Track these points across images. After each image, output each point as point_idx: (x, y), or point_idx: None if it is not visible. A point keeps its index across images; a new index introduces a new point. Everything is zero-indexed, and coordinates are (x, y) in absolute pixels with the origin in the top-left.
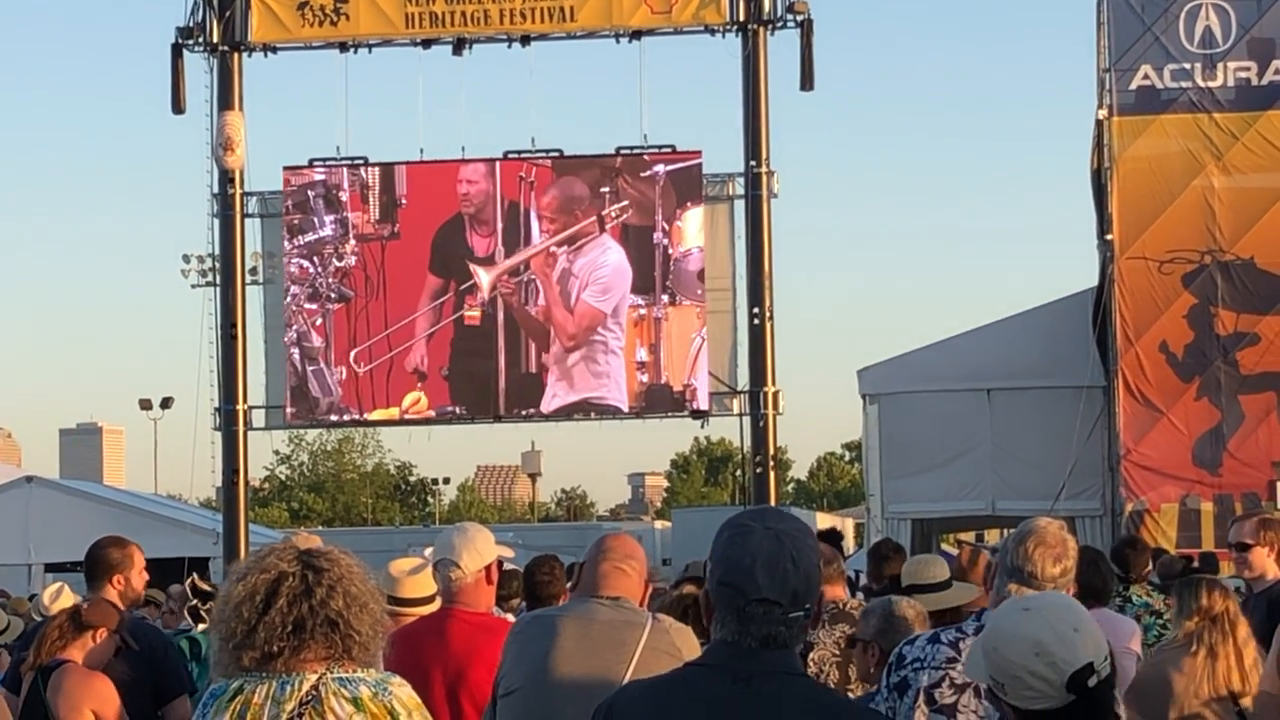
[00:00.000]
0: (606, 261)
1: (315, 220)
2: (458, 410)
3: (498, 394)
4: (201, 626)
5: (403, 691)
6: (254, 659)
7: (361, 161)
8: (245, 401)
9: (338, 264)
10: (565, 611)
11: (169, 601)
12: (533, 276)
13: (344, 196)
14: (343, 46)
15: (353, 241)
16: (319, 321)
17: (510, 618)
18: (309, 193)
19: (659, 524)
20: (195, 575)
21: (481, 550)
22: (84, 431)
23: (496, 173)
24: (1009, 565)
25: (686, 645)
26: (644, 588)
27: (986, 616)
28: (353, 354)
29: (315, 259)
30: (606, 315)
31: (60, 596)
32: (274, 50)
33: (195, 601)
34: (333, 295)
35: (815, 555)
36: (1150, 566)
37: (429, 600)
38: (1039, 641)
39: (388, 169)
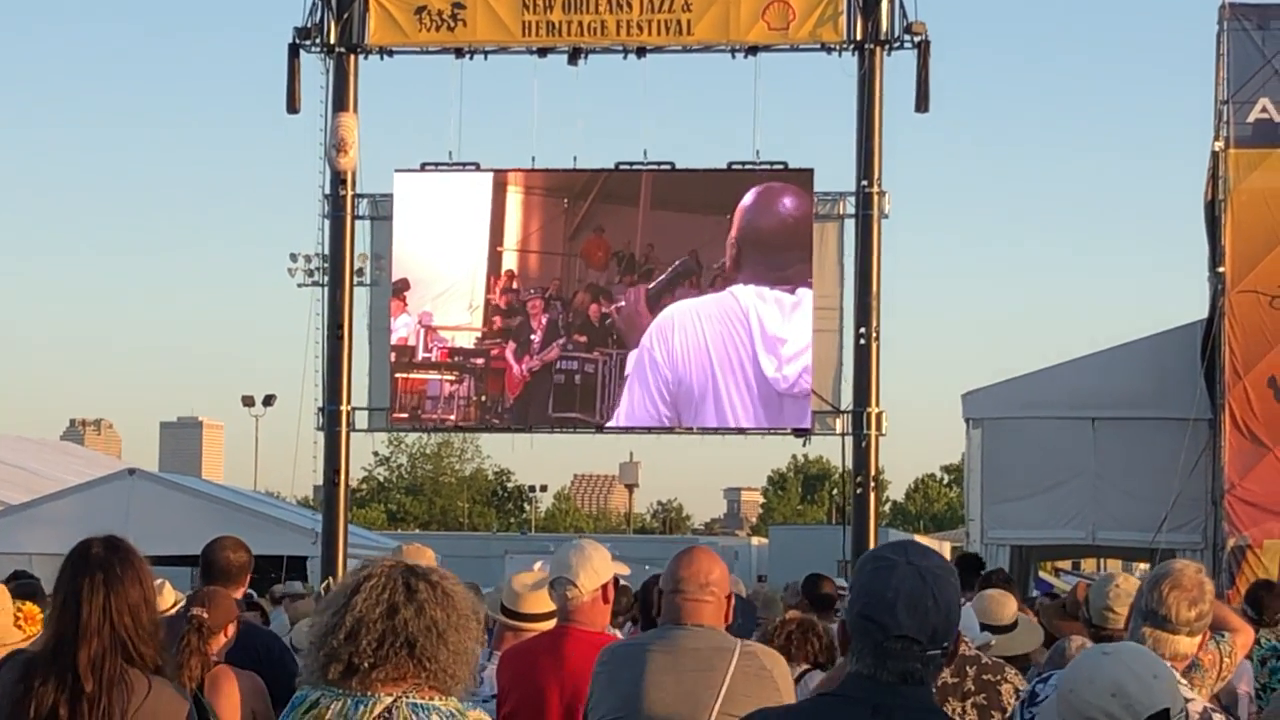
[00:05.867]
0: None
1: None
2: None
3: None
4: None
5: None
6: (338, 671)
7: (473, 167)
8: (348, 402)
9: None
10: (650, 640)
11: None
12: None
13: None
14: (459, 52)
15: None
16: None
17: (619, 634)
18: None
19: (755, 540)
20: (330, 580)
21: (598, 569)
22: (184, 425)
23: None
24: (1144, 608)
25: (778, 669)
26: (726, 604)
27: None
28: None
29: None
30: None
31: (162, 592)
32: (390, 53)
33: None
34: None
35: (956, 594)
36: None
37: (549, 616)
38: (1117, 683)
39: (501, 181)
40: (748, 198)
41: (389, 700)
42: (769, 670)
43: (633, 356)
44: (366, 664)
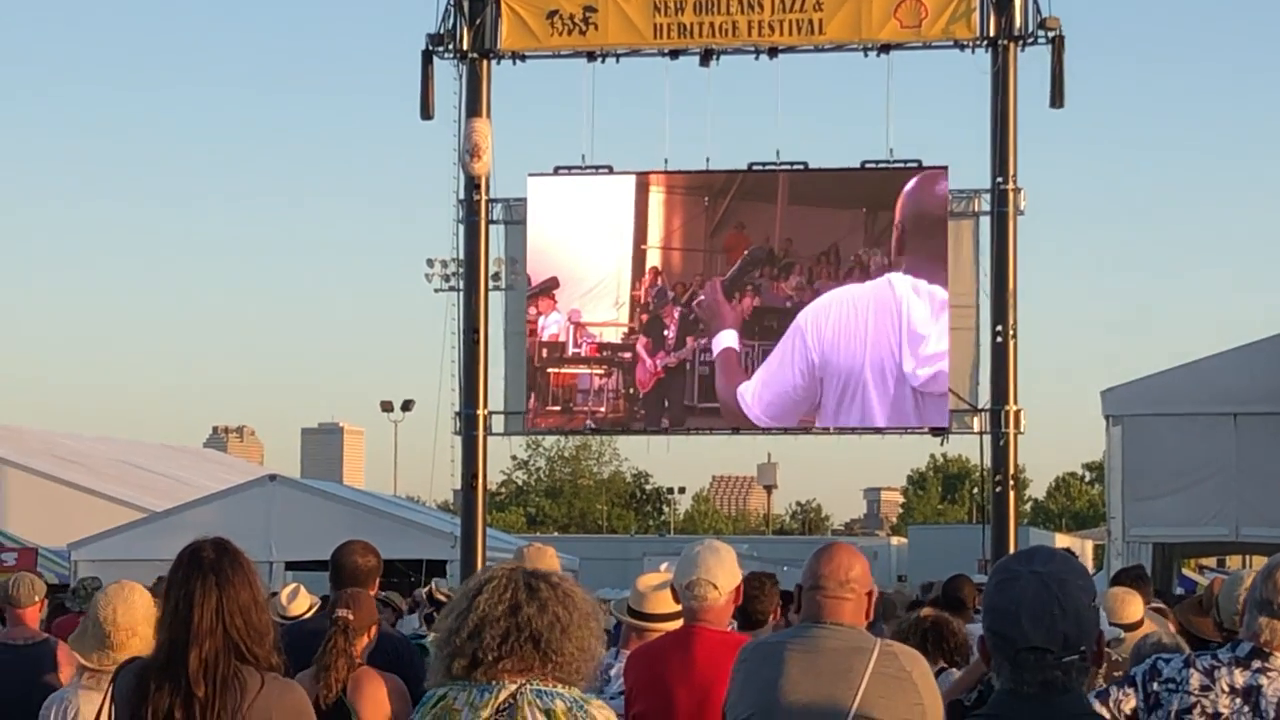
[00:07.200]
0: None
1: None
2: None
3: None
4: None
5: (601, 713)
6: (462, 666)
7: (606, 169)
8: (485, 406)
9: None
10: (790, 638)
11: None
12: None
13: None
14: (590, 55)
15: None
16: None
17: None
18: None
19: (895, 540)
20: (434, 584)
21: (732, 570)
22: (325, 431)
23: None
24: (1258, 598)
25: (917, 669)
26: (867, 600)
27: (1241, 648)
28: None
29: None
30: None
31: (297, 597)
32: (522, 58)
33: (431, 609)
34: None
35: (1086, 596)
36: None
37: (674, 616)
38: None
39: (643, 181)
40: (910, 184)
41: (513, 687)
42: (908, 671)
43: (720, 340)
44: (490, 657)
